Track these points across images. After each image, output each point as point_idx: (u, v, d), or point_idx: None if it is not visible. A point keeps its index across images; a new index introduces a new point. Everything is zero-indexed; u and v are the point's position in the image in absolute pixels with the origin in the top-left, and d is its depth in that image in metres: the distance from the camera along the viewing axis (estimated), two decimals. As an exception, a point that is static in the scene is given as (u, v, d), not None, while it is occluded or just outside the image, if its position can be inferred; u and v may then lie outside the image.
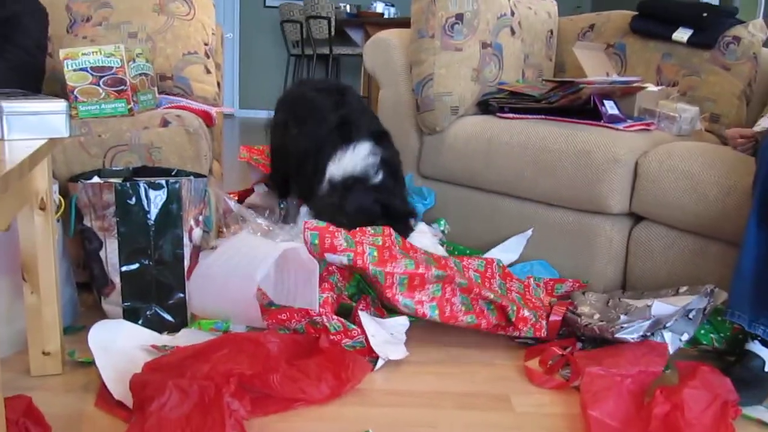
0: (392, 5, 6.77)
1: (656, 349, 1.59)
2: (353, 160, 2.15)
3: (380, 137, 2.25)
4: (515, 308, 1.73)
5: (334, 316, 1.68)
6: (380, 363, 1.62)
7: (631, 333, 1.60)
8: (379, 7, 6.68)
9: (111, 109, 1.97)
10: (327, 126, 2.21)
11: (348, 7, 6.73)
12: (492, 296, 1.75)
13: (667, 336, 1.63)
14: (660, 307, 1.67)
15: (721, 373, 1.51)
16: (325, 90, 2.38)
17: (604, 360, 1.55)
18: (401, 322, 1.80)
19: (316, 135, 2.22)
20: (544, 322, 1.77)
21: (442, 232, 2.41)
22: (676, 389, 1.43)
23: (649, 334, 1.61)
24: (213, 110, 2.26)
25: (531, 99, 2.28)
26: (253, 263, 1.70)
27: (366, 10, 6.77)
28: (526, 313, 1.75)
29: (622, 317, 1.69)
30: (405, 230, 2.14)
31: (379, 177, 2.16)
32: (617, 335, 1.61)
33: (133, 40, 2.33)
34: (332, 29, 6.17)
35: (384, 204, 2.13)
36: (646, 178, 1.96)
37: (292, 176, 2.44)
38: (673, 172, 1.90)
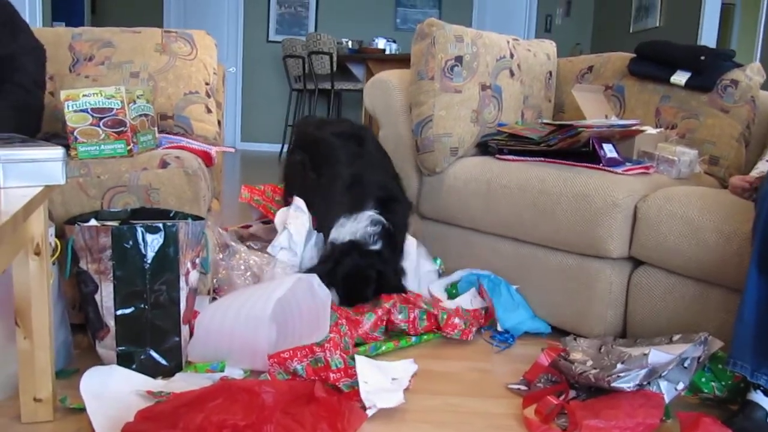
0: (393, 41, 6.85)
1: (652, 399, 1.56)
2: (354, 227, 2.19)
3: (389, 201, 2.27)
4: (446, 316, 2.06)
5: (337, 352, 1.71)
6: (372, 410, 1.59)
7: (627, 382, 1.58)
8: (381, 43, 6.76)
9: (110, 150, 1.97)
10: (339, 185, 2.26)
11: (350, 43, 6.81)
12: (425, 306, 2.08)
13: (663, 385, 1.60)
14: (657, 355, 1.65)
15: (722, 424, 1.49)
16: (344, 136, 2.41)
17: (601, 412, 1.52)
18: (407, 368, 1.80)
19: (328, 195, 2.27)
20: (473, 329, 2.08)
21: (437, 271, 2.40)
22: (677, 442, 1.41)
23: (645, 383, 1.58)
24: (213, 150, 2.26)
25: (530, 141, 2.29)
26: (264, 296, 1.74)
27: (368, 46, 6.85)
28: (456, 320, 2.06)
29: (619, 366, 1.66)
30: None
31: (378, 245, 2.19)
32: (614, 384, 1.58)
33: (135, 80, 2.34)
34: (334, 65, 6.23)
35: (378, 270, 2.16)
36: (645, 223, 1.95)
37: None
38: (672, 217, 1.89)
